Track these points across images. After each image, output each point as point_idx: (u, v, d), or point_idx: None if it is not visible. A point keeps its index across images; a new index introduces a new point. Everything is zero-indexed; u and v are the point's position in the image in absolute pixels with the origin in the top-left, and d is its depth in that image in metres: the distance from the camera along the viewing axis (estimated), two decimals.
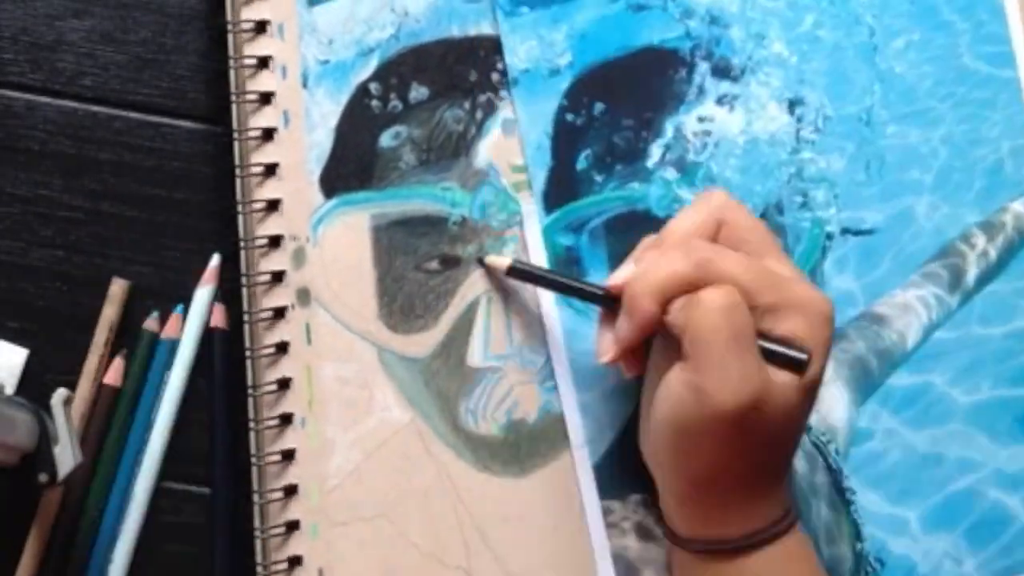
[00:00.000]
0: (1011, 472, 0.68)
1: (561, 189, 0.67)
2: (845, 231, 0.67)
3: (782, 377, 0.56)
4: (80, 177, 0.68)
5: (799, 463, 0.67)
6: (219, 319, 0.67)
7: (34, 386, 0.66)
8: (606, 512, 0.67)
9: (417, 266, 0.66)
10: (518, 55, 0.67)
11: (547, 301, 0.66)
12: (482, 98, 0.66)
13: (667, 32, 0.67)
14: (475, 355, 0.66)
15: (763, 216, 0.67)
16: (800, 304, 0.56)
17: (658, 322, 0.57)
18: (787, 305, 0.56)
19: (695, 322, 0.55)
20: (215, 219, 0.68)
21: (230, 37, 0.66)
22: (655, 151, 0.67)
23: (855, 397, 0.68)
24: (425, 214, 0.66)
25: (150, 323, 0.67)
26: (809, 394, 0.57)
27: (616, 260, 0.67)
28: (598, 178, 0.67)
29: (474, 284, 0.67)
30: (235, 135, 0.66)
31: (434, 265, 0.66)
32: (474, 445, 0.66)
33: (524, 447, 0.66)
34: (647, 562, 0.66)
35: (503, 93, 0.66)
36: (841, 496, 0.67)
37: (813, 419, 0.68)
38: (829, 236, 0.67)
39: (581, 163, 0.67)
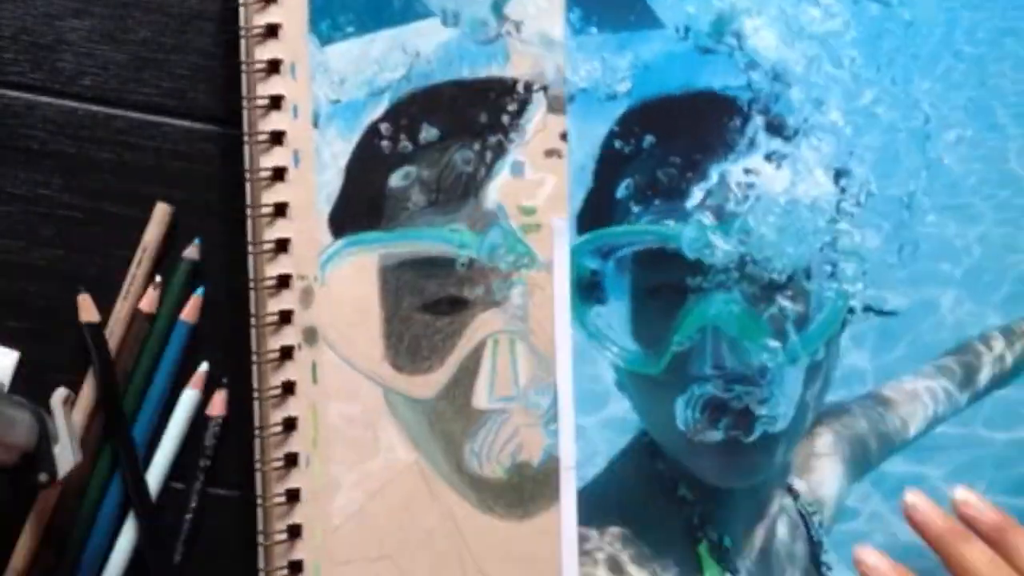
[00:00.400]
0: None
1: (596, 213, 0.67)
2: (867, 308, 0.67)
3: None
4: (80, 177, 0.68)
5: (781, 528, 0.67)
6: (219, 407, 0.67)
7: (34, 386, 0.66)
8: (582, 539, 0.66)
9: (424, 307, 0.66)
10: (579, 73, 0.67)
11: (562, 317, 0.66)
12: (492, 140, 0.67)
13: (729, 79, 0.67)
14: (481, 397, 0.66)
15: (790, 279, 0.67)
16: None
17: None
18: None
19: None
20: (215, 219, 0.68)
21: (243, 77, 0.66)
22: (696, 193, 0.67)
23: (849, 474, 0.67)
24: (433, 255, 0.66)
25: (191, 251, 0.67)
26: None
27: (639, 293, 0.66)
28: (635, 209, 0.67)
29: (481, 326, 0.67)
30: (247, 175, 0.66)
31: (442, 306, 0.66)
32: (478, 487, 0.66)
33: (528, 490, 0.66)
34: None
35: (512, 135, 0.67)
36: (817, 569, 0.67)
37: (802, 488, 0.67)
38: (851, 310, 0.67)
39: (621, 191, 0.67)
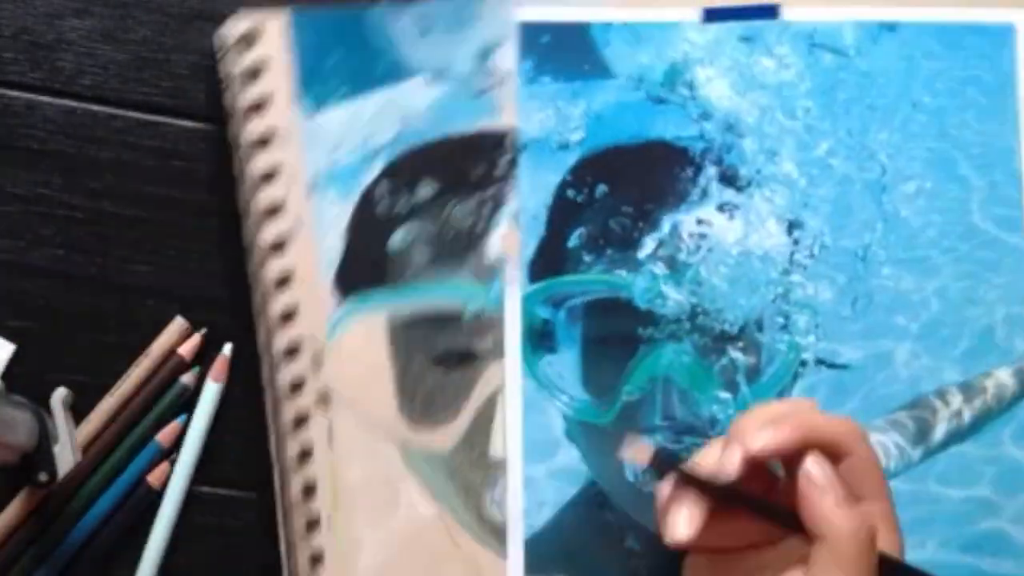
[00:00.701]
0: None
1: (548, 262, 0.67)
2: (820, 362, 0.67)
3: None
4: (80, 176, 0.68)
5: None
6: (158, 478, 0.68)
7: (33, 385, 0.67)
8: None
9: (436, 361, 0.67)
10: (531, 122, 0.67)
11: (512, 366, 0.66)
12: (489, 191, 0.67)
13: (682, 130, 0.67)
14: (498, 446, 0.66)
15: (742, 331, 0.66)
16: (892, 533, 0.55)
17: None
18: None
19: (844, 548, 0.52)
20: (215, 219, 0.68)
21: (235, 155, 0.66)
22: (648, 243, 0.67)
23: None
24: (440, 310, 0.67)
25: (187, 377, 0.68)
26: None
27: (590, 343, 0.66)
28: (587, 258, 0.67)
29: (492, 377, 0.67)
30: (247, 248, 0.66)
31: (452, 360, 0.66)
32: (501, 536, 0.66)
33: None
34: None
35: (509, 185, 0.67)
36: None
37: None
38: (803, 363, 0.67)
39: (573, 240, 0.67)
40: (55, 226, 0.68)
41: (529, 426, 0.67)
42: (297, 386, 0.67)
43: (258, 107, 0.67)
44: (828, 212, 0.67)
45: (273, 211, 0.67)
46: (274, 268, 0.67)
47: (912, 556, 0.65)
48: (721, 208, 0.67)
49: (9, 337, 0.68)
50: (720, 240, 0.67)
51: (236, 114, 0.67)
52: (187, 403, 0.68)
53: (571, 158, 0.67)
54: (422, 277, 0.67)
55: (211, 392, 0.68)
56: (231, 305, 0.68)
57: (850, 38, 0.68)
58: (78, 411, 0.67)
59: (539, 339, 0.67)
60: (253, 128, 0.67)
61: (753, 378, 0.66)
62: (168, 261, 0.68)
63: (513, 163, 0.67)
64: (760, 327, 0.67)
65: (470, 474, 0.66)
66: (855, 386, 0.67)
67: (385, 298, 0.67)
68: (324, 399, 0.67)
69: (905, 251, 0.67)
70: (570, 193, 0.67)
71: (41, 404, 0.65)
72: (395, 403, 0.66)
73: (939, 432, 0.67)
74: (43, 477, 0.63)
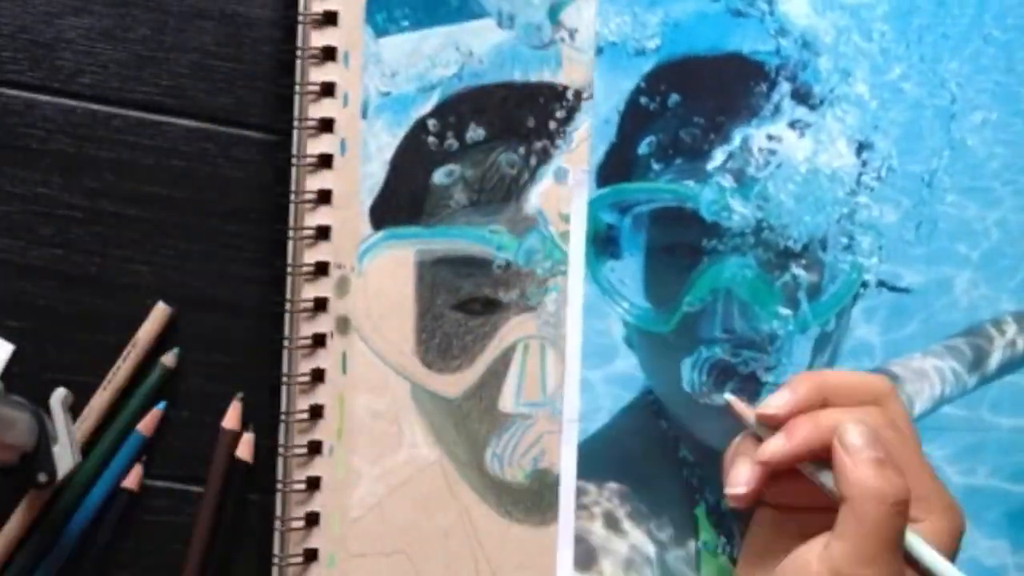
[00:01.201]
0: (988, 565, 0.66)
1: (617, 168, 0.67)
2: (881, 284, 0.67)
3: None
4: (79, 176, 0.67)
5: None
6: (246, 451, 0.67)
7: (33, 385, 0.66)
8: (580, 492, 0.66)
9: (458, 306, 0.66)
10: (609, 26, 0.67)
11: (576, 268, 0.66)
12: (538, 145, 0.66)
13: (759, 44, 0.67)
14: (507, 400, 0.66)
15: (806, 248, 0.66)
16: (945, 514, 0.52)
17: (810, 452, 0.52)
18: (932, 510, 0.52)
19: (867, 510, 0.50)
20: (215, 218, 0.67)
21: (298, 63, 0.66)
22: (718, 155, 0.66)
23: None
24: (470, 255, 0.66)
25: (168, 358, 0.67)
26: None
27: (654, 251, 0.66)
28: (656, 166, 0.67)
29: (512, 329, 0.66)
30: (293, 160, 0.66)
31: (475, 306, 0.66)
32: (498, 490, 0.66)
33: (548, 497, 0.66)
34: (607, 552, 0.65)
35: (558, 142, 0.66)
36: None
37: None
38: (864, 284, 0.67)
39: (643, 148, 0.67)
40: (54, 226, 0.67)
41: (588, 331, 0.66)
42: (319, 307, 0.66)
43: (325, 20, 0.66)
44: (897, 136, 0.67)
45: (324, 126, 0.66)
46: (315, 183, 0.66)
47: (962, 482, 0.66)
48: (792, 125, 0.67)
49: (8, 337, 0.67)
50: (789, 157, 0.67)
51: (304, 24, 0.66)
52: (170, 387, 0.68)
53: (646, 65, 0.67)
54: (458, 219, 0.66)
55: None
56: (231, 305, 0.67)
57: None
58: (77, 411, 0.66)
59: (603, 244, 0.67)
60: (317, 40, 0.66)
61: (814, 296, 0.66)
62: (168, 261, 0.67)
63: (566, 120, 0.67)
64: (824, 246, 0.67)
65: (476, 424, 0.66)
66: (915, 310, 0.67)
67: (418, 235, 0.66)
68: (343, 325, 0.66)
69: (970, 180, 0.68)
70: (643, 100, 0.67)
71: (40, 404, 0.63)
72: (412, 341, 0.66)
73: (994, 360, 0.67)
74: (42, 478, 0.62)
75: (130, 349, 0.66)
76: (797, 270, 0.66)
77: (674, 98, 0.67)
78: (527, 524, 0.66)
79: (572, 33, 0.67)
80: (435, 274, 0.66)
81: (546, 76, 0.67)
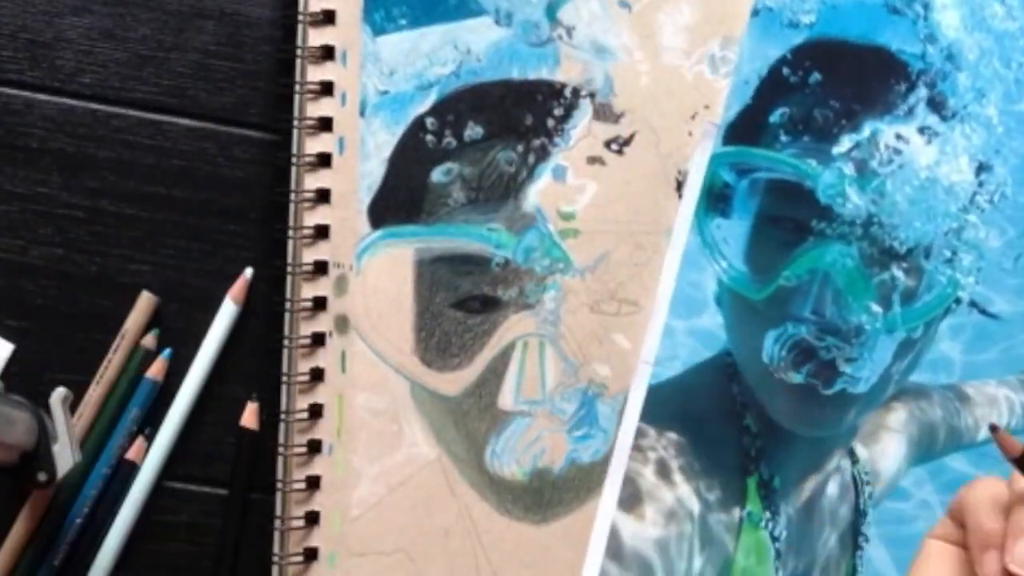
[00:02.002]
0: None
1: (745, 130, 0.67)
2: (973, 304, 0.68)
3: None
4: (79, 175, 0.67)
5: (832, 486, 0.66)
6: (251, 419, 0.66)
7: (33, 384, 0.65)
8: (639, 434, 0.65)
9: (457, 304, 0.66)
10: None
11: (684, 215, 0.66)
12: (536, 142, 0.67)
13: (907, 45, 0.68)
14: (506, 398, 0.66)
15: (910, 252, 0.67)
16: None
17: None
18: None
19: None
20: (215, 218, 0.67)
21: (298, 62, 0.66)
22: (846, 142, 0.67)
23: (911, 456, 0.67)
24: (469, 253, 0.66)
25: (148, 340, 0.66)
26: None
27: (763, 219, 0.66)
28: (783, 138, 0.67)
29: (512, 327, 0.66)
30: (292, 160, 0.66)
31: (474, 305, 0.66)
32: (498, 488, 0.66)
33: (547, 495, 0.66)
34: (653, 498, 0.65)
35: (556, 139, 0.67)
36: (854, 537, 0.66)
37: (863, 455, 0.67)
38: (957, 300, 0.67)
39: (775, 117, 0.67)
40: (54, 225, 0.67)
41: (682, 281, 0.66)
42: (318, 307, 0.66)
43: (324, 20, 0.66)
44: (1015, 165, 0.68)
45: (323, 125, 0.66)
46: (314, 182, 0.66)
47: None
48: (922, 131, 0.68)
49: (8, 336, 0.66)
50: (913, 160, 0.67)
51: (304, 24, 0.66)
52: (170, 386, 0.67)
53: (797, 38, 0.67)
54: (456, 218, 0.66)
55: (227, 311, 0.67)
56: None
57: None
58: (75, 409, 0.66)
59: (716, 200, 0.67)
60: (315, 40, 0.66)
61: (908, 300, 0.67)
62: (167, 260, 0.67)
63: (565, 117, 0.67)
64: (927, 254, 0.67)
65: (476, 422, 0.66)
66: (998, 338, 0.68)
67: (416, 233, 0.66)
68: (342, 324, 0.66)
69: None
70: (786, 71, 0.67)
71: (40, 404, 0.62)
72: (411, 339, 0.66)
73: None
74: (42, 477, 0.61)
75: (119, 341, 0.66)
76: (897, 271, 0.67)
77: (815, 76, 0.67)
78: (527, 522, 0.66)
79: (570, 31, 0.67)
80: (434, 272, 0.66)
81: (544, 74, 0.67)
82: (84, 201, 0.67)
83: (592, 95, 0.67)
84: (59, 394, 0.63)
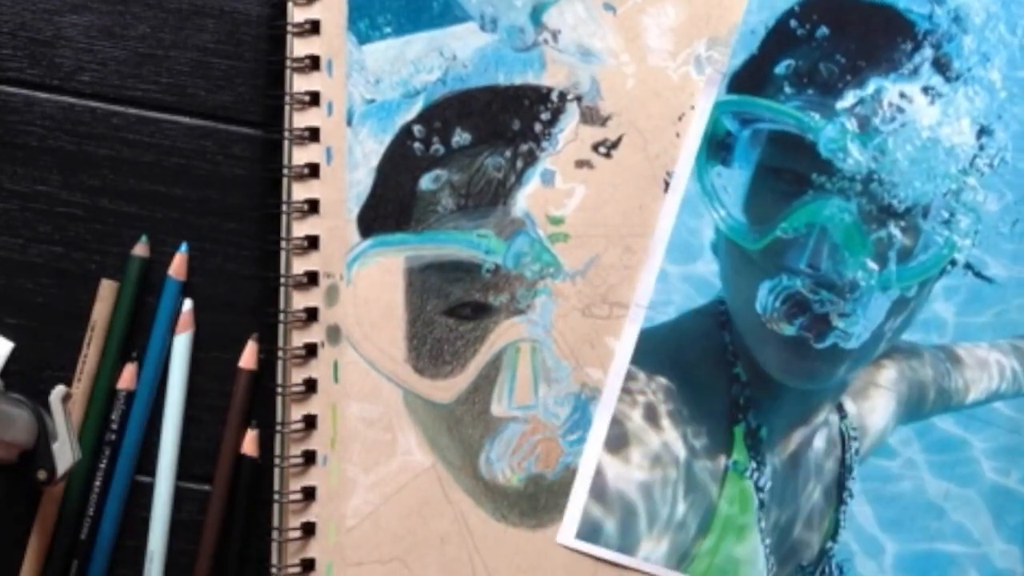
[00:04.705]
0: (999, 567, 0.66)
1: (750, 79, 0.67)
2: (968, 266, 0.67)
3: None
4: (78, 173, 0.67)
5: (818, 440, 0.66)
6: (251, 447, 0.66)
7: (32, 383, 0.65)
8: (629, 377, 0.65)
9: (448, 311, 0.66)
10: None
11: (685, 161, 0.66)
12: (523, 147, 0.67)
13: (915, 4, 0.68)
14: (500, 404, 0.66)
15: (908, 211, 0.67)
16: None
17: None
18: None
19: None
20: (214, 216, 0.67)
21: (287, 72, 0.66)
22: (849, 97, 0.67)
23: (899, 413, 0.67)
24: (459, 260, 0.66)
25: (139, 248, 0.66)
26: None
27: (763, 170, 0.66)
28: (788, 90, 0.67)
29: (503, 333, 0.66)
30: (284, 170, 0.66)
31: (465, 311, 0.66)
32: (493, 494, 0.66)
33: (543, 500, 0.66)
34: (639, 441, 0.65)
35: (544, 144, 0.67)
36: (839, 492, 0.66)
37: (852, 410, 0.66)
38: (953, 262, 0.67)
39: (780, 68, 0.67)
40: (53, 223, 0.67)
41: (680, 226, 0.66)
42: (309, 317, 0.65)
43: (309, 30, 0.66)
44: (1016, 131, 0.68)
45: (310, 135, 0.66)
46: (302, 192, 0.66)
47: (994, 480, 0.66)
48: (926, 90, 0.67)
49: (8, 335, 0.66)
50: (915, 119, 0.67)
51: (290, 34, 0.66)
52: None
53: None
54: (445, 225, 0.66)
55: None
56: (230, 302, 0.67)
57: None
58: None
59: (717, 149, 0.66)
60: (300, 50, 0.66)
61: (903, 259, 0.67)
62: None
63: (552, 122, 0.67)
64: (925, 214, 0.67)
65: (469, 429, 0.66)
66: (992, 301, 0.68)
67: (406, 241, 0.66)
68: (334, 335, 0.66)
69: None
70: (793, 23, 0.67)
71: (39, 402, 0.63)
72: (403, 348, 0.66)
73: None
74: (42, 475, 0.62)
75: (90, 335, 0.66)
76: (894, 230, 0.67)
77: (823, 31, 0.67)
78: (523, 527, 0.66)
79: (555, 35, 0.67)
80: (424, 280, 0.66)
81: (530, 78, 0.67)
82: (83, 199, 0.67)
83: (579, 99, 0.67)
84: (58, 392, 0.63)
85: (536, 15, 0.67)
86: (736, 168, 0.66)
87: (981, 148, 0.68)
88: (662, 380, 0.65)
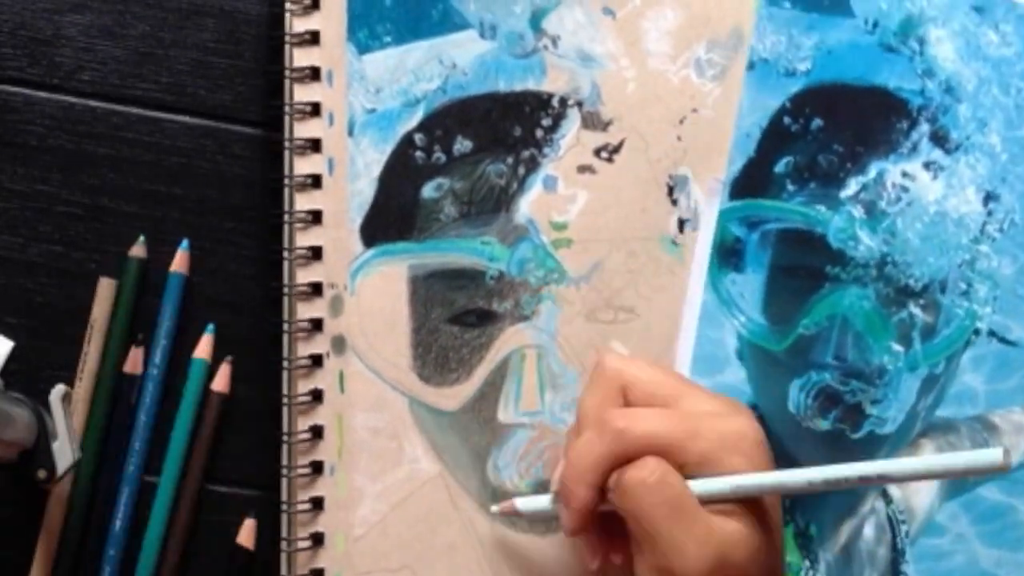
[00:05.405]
0: None
1: (751, 183, 0.67)
2: (991, 334, 0.68)
3: (735, 524, 0.55)
4: (78, 172, 0.67)
5: (868, 529, 0.67)
6: (247, 538, 0.67)
7: (32, 382, 0.65)
8: None
9: (453, 319, 0.66)
10: (764, 43, 0.67)
11: (698, 275, 0.66)
12: (525, 154, 0.67)
13: (905, 82, 0.68)
14: (506, 411, 0.66)
15: (926, 288, 0.67)
16: (731, 440, 0.56)
17: (596, 505, 0.57)
18: (719, 446, 0.56)
19: (630, 508, 0.55)
20: (215, 215, 0.67)
21: (286, 83, 0.66)
22: (852, 185, 0.67)
23: (943, 491, 0.67)
24: (463, 267, 0.66)
25: (136, 250, 0.67)
26: (772, 526, 0.56)
27: (777, 270, 0.67)
28: (790, 187, 0.67)
29: (508, 340, 0.66)
30: (285, 181, 0.66)
31: (470, 319, 0.66)
32: (501, 501, 0.66)
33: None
34: None
35: (546, 150, 0.67)
36: None
37: (896, 494, 0.67)
38: (976, 332, 0.68)
39: (780, 167, 0.67)
40: (53, 222, 0.67)
41: (702, 339, 0.67)
42: (314, 328, 0.66)
43: (308, 40, 0.66)
44: (1022, 191, 0.68)
45: (311, 146, 0.66)
46: (305, 204, 0.66)
47: None
48: (927, 166, 0.68)
49: (7, 334, 0.66)
50: (921, 196, 0.67)
51: (289, 44, 0.66)
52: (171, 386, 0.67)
53: (794, 86, 0.67)
54: (448, 233, 0.66)
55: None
56: (230, 301, 0.67)
57: None
58: None
59: (728, 256, 0.67)
60: (300, 60, 0.66)
61: (928, 337, 0.67)
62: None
63: (553, 128, 0.67)
64: (943, 288, 0.67)
65: (476, 436, 0.66)
66: (1019, 364, 0.68)
67: (409, 250, 0.66)
68: (339, 345, 0.66)
69: None
70: (786, 120, 0.67)
71: (39, 401, 0.63)
72: (408, 356, 0.66)
73: None
74: (42, 474, 0.62)
75: (89, 333, 0.66)
76: (915, 309, 0.67)
77: (817, 123, 0.67)
78: (532, 534, 0.66)
79: (555, 40, 0.67)
80: (428, 288, 0.66)
81: (531, 85, 0.67)
82: (83, 198, 0.67)
83: (580, 104, 0.67)
84: (58, 391, 0.63)
85: (535, 21, 0.67)
86: (750, 272, 0.67)
87: (989, 214, 0.68)
88: None
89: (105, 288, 0.66)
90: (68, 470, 0.62)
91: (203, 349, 0.67)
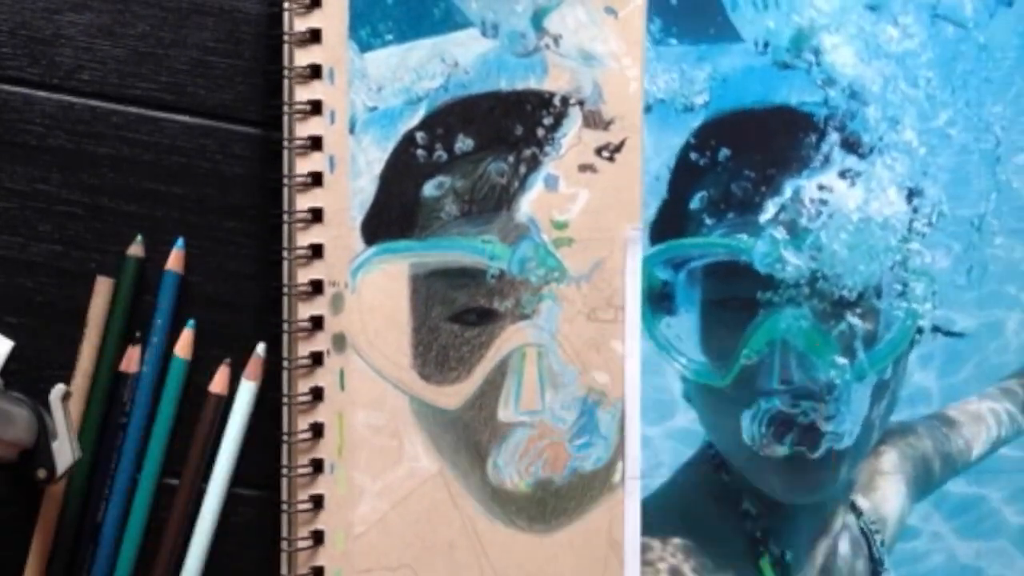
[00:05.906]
0: None
1: (669, 224, 0.67)
2: (936, 329, 0.68)
3: None
4: (78, 172, 0.67)
5: (843, 544, 0.67)
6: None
7: (32, 381, 0.66)
8: (645, 548, 0.66)
9: (453, 317, 0.66)
10: (657, 83, 0.67)
11: (632, 326, 0.66)
12: (527, 152, 0.66)
13: (806, 95, 0.67)
14: (507, 409, 0.66)
15: (861, 297, 0.67)
16: None
17: None
18: None
19: None
20: (214, 214, 0.67)
21: (285, 82, 0.66)
22: (770, 208, 0.67)
23: (911, 493, 0.67)
24: (464, 266, 0.66)
25: (134, 249, 0.67)
26: None
27: (709, 305, 0.67)
28: (708, 221, 0.67)
29: (508, 339, 0.66)
30: (284, 180, 0.66)
31: (470, 317, 0.66)
32: (501, 500, 0.66)
33: (551, 504, 0.66)
34: None
35: (547, 149, 0.66)
36: None
37: (866, 505, 0.67)
38: (920, 330, 0.67)
39: (695, 203, 0.67)
40: (53, 222, 0.67)
41: (647, 388, 0.67)
42: (315, 326, 0.66)
43: (310, 39, 0.66)
44: (946, 181, 0.68)
45: (312, 144, 0.66)
46: (307, 202, 0.66)
47: (1019, 522, 0.67)
48: (843, 175, 0.67)
49: (7, 333, 0.67)
50: (841, 206, 0.67)
51: (290, 43, 0.66)
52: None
53: (695, 121, 0.67)
54: (449, 231, 0.66)
55: (246, 392, 0.67)
56: (230, 301, 0.67)
57: (969, 10, 0.68)
58: None
59: (658, 301, 0.67)
60: (301, 59, 0.66)
61: (870, 344, 0.67)
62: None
63: (554, 126, 0.67)
64: (879, 294, 0.67)
65: (477, 435, 0.66)
66: (969, 354, 0.68)
67: (410, 248, 0.66)
68: (340, 343, 0.66)
69: (1017, 221, 0.68)
70: (693, 156, 0.67)
71: (39, 400, 0.63)
72: (409, 355, 0.66)
73: None
74: (42, 474, 0.62)
75: (85, 332, 0.66)
76: (853, 319, 0.67)
77: (724, 152, 0.67)
78: (532, 532, 0.67)
79: (556, 39, 0.67)
80: (429, 287, 0.66)
81: (532, 83, 0.67)
82: (83, 198, 0.67)
83: (581, 103, 0.67)
84: (58, 391, 0.63)
85: (537, 20, 0.67)
86: (683, 313, 0.67)
87: (915, 210, 0.68)
88: (677, 541, 0.66)
89: (102, 287, 0.66)
90: (68, 470, 0.63)
91: (183, 347, 0.67)
